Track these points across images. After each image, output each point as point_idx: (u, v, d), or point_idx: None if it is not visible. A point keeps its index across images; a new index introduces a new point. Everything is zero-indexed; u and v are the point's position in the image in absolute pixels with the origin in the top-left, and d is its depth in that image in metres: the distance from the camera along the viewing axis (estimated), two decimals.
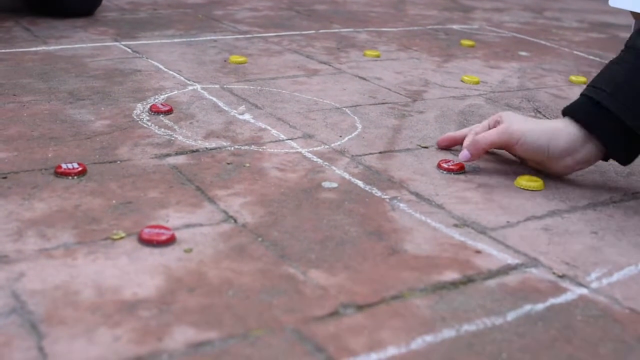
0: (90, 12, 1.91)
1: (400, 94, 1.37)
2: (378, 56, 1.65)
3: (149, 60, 1.48)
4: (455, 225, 0.85)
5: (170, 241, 0.75)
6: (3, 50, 1.51)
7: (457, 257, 0.77)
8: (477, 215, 0.88)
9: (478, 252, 0.79)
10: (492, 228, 0.85)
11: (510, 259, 0.78)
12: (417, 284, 0.71)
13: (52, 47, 1.55)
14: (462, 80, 1.50)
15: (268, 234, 0.79)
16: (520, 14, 2.44)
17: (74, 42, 1.61)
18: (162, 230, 0.75)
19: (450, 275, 0.73)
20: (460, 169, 1.00)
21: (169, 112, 1.15)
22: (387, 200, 0.90)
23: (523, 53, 1.82)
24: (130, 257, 0.72)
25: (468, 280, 0.73)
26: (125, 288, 0.66)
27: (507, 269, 0.76)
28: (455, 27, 2.12)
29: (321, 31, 1.90)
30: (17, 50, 1.52)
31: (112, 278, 0.68)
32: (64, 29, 1.74)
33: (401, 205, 0.89)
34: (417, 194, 0.92)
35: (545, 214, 0.89)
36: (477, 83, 1.49)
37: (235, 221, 0.82)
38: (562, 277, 0.75)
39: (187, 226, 0.79)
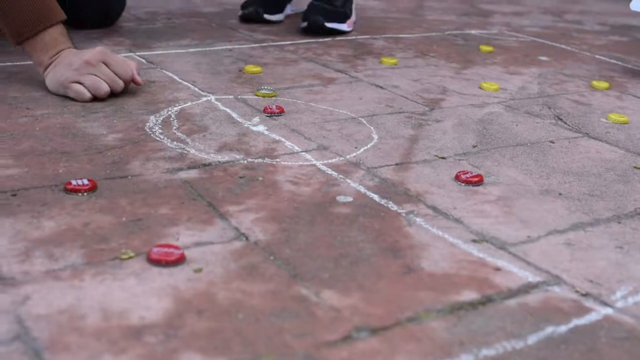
0: (110, 24, 1.90)
1: (418, 103, 1.34)
2: (395, 63, 1.63)
3: (164, 70, 1.47)
4: (474, 241, 0.82)
5: (180, 261, 0.73)
6: (18, 63, 1.50)
7: (475, 275, 0.74)
8: (496, 230, 0.85)
9: (497, 269, 0.76)
10: (512, 243, 0.82)
11: (532, 277, 0.75)
12: (434, 305, 0.68)
13: None
14: (480, 87, 1.47)
15: (280, 252, 0.77)
16: (540, 18, 2.41)
17: None
18: (171, 250, 0.73)
19: (469, 295, 0.71)
20: (479, 181, 0.98)
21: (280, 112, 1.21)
22: (403, 214, 0.88)
23: (543, 58, 1.79)
24: (139, 278, 0.70)
25: (487, 300, 0.70)
26: (132, 311, 0.65)
27: (528, 288, 0.73)
28: (473, 32, 2.09)
29: (337, 39, 1.88)
30: (32, 62, 1.51)
31: (119, 301, 0.66)
32: (80, 40, 1.73)
33: (418, 219, 0.86)
34: (434, 208, 0.90)
35: (568, 227, 0.87)
36: (497, 90, 1.46)
37: (247, 238, 0.80)
38: (585, 295, 0.72)
39: (198, 244, 0.77)
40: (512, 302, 0.70)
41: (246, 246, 0.78)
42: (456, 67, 1.64)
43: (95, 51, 1.25)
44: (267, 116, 1.19)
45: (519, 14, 2.47)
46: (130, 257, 0.74)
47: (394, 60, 1.64)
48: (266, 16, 2.00)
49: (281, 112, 1.22)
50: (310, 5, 1.91)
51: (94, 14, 1.84)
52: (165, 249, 0.73)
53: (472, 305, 0.69)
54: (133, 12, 2.01)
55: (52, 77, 1.26)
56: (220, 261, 0.74)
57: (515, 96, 1.43)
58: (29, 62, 1.50)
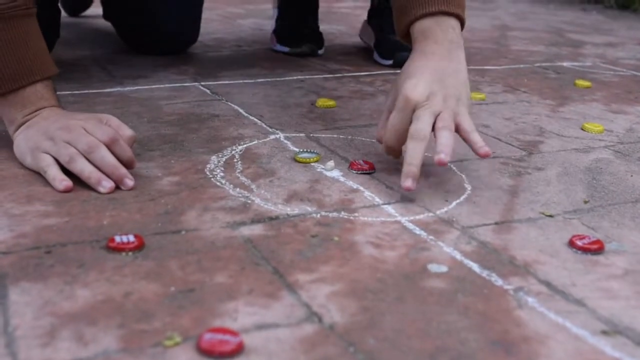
0: (183, 50, 1.81)
1: (513, 146, 1.18)
2: (483, 99, 1.47)
3: (229, 103, 1.35)
4: (604, 332, 0.65)
5: (237, 352, 0.58)
6: (77, 92, 1.40)
7: None
8: (631, 317, 0.68)
9: None
10: None
11: None
12: None
13: (127, 88, 1.43)
14: (583, 129, 1.29)
15: (362, 342, 0.61)
16: (636, 49, 2.21)
17: (151, 82, 1.50)
18: (227, 337, 0.59)
19: None
20: (599, 249, 0.81)
21: (370, 169, 1.02)
22: (511, 292, 0.71)
23: None
24: None
25: None
26: None
27: None
28: (565, 64, 1.91)
29: None
30: (91, 91, 1.41)
31: None
32: (143, 67, 1.63)
33: (529, 299, 0.70)
34: (548, 284, 0.73)
35: None
36: (602, 132, 1.28)
37: (321, 320, 0.64)
38: None
39: (259, 327, 0.63)
40: None
41: (319, 331, 0.63)
42: (552, 104, 1.47)
43: (90, 117, 0.97)
44: (355, 173, 1.01)
45: (612, 44, 2.28)
46: (177, 344, 0.59)
47: (481, 95, 1.48)
48: (320, 52, 1.85)
49: (371, 169, 1.01)
50: (383, 41, 1.77)
51: (166, 38, 1.75)
52: (220, 336, 0.59)
53: None
54: (200, 39, 1.91)
55: (21, 141, 0.96)
56: (287, 352, 0.59)
57: (624, 139, 1.25)
58: (87, 91, 1.40)
